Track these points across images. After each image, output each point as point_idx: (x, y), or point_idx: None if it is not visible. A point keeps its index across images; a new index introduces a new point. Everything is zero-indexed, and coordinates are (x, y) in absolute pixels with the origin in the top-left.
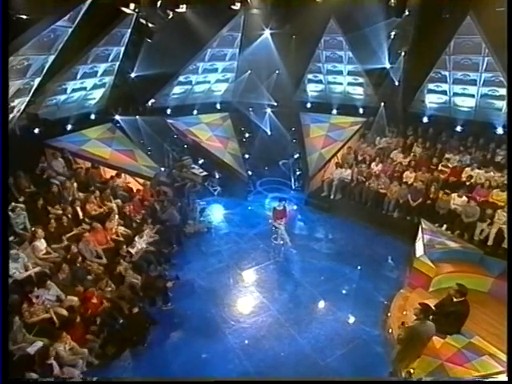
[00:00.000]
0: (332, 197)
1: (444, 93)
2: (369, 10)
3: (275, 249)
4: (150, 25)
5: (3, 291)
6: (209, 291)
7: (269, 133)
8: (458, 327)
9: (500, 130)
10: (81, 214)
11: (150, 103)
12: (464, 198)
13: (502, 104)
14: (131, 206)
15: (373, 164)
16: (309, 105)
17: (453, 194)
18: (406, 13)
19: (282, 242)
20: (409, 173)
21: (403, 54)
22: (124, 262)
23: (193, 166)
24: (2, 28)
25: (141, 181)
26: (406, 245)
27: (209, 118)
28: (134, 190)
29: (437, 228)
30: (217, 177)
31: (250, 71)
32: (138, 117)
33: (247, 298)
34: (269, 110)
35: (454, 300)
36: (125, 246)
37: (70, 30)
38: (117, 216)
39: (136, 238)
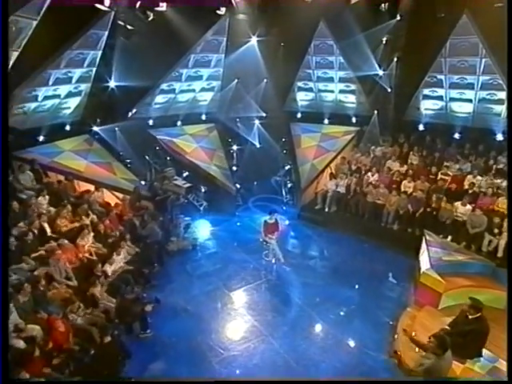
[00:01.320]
0: (327, 209)
1: (440, 98)
2: (359, 15)
3: (267, 266)
4: (129, 27)
5: (3, 293)
6: (193, 315)
7: (258, 145)
8: (478, 349)
9: (500, 137)
10: (48, 230)
11: (130, 113)
12: (468, 207)
13: (501, 109)
14: (107, 222)
15: (369, 174)
16: (299, 115)
17: (456, 203)
18: (398, 18)
19: (273, 259)
20: (407, 182)
21: (396, 59)
22: (99, 282)
23: (175, 177)
24: (2, 29)
25: (119, 195)
26: (409, 259)
27: (194, 129)
28: (112, 205)
29: (442, 239)
30: (202, 191)
31: (236, 80)
32: (117, 128)
33: (237, 321)
34: (257, 122)
35: (469, 317)
36: (100, 265)
37: (35, 22)
38: (92, 233)
39: (113, 256)
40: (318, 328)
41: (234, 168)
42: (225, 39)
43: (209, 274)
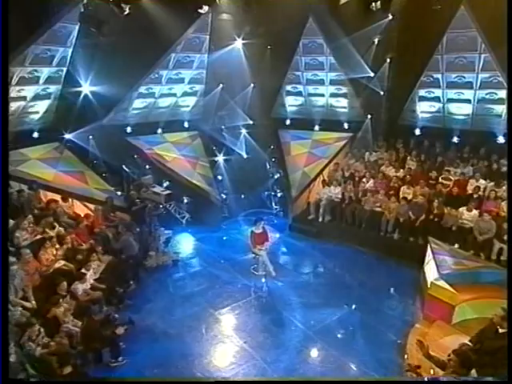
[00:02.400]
0: (320, 219)
1: (437, 99)
2: (349, 15)
3: (256, 282)
4: (102, 21)
5: (3, 294)
6: (174, 339)
7: (244, 156)
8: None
9: (501, 139)
10: None
11: (106, 119)
12: (474, 212)
13: (502, 109)
14: (73, 235)
15: (364, 180)
16: (288, 121)
17: (460, 209)
18: (390, 17)
19: (264, 273)
20: (406, 188)
21: (388, 60)
22: (64, 303)
23: (153, 185)
24: (2, 30)
25: (92, 206)
26: (413, 270)
27: (175, 137)
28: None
29: (449, 246)
30: (185, 202)
31: (221, 85)
32: (91, 136)
33: (224, 344)
34: (244, 131)
35: (500, 331)
36: (65, 283)
37: None
38: (58, 246)
39: (82, 273)
40: (317, 350)
41: (219, 177)
42: (207, 38)
43: (192, 291)
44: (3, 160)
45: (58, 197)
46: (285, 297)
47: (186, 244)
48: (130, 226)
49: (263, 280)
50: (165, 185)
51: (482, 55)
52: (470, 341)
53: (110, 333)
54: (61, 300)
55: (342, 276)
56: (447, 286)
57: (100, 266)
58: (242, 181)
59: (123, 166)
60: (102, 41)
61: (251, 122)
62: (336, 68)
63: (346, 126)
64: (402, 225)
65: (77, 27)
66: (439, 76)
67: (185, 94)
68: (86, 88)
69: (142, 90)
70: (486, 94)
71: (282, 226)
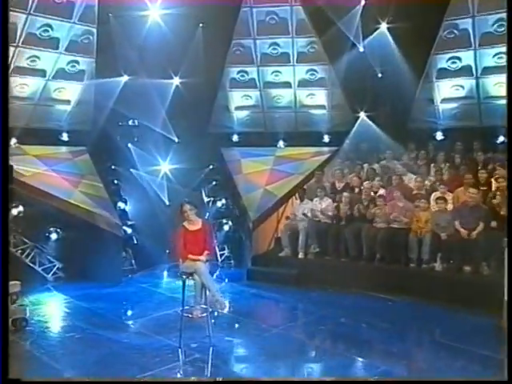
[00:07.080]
0: (301, 254)
1: (467, 71)
2: None
3: (193, 330)
4: None
5: (3, 289)
6: None
7: (167, 203)
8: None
9: None
10: None
11: None
12: None
13: None
14: None
15: (370, 186)
16: (236, 137)
17: None
18: None
19: (203, 314)
20: (439, 193)
21: (386, 26)
22: None
23: None
24: (2, 29)
25: None
26: (479, 316)
27: (42, 151)
28: None
29: None
30: (53, 238)
31: (128, 77)
32: None
33: None
34: (167, 170)
35: None
36: None
37: None
38: None
39: None
40: None
41: (121, 205)
42: None
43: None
44: (3, 159)
45: None
46: (245, 356)
47: (49, 301)
48: None
49: (202, 315)
50: (15, 211)
51: None
52: None
53: None
54: None
55: (355, 330)
56: None
57: None
58: (160, 212)
59: None
60: None
61: (176, 140)
62: (306, 28)
63: (326, 138)
64: (446, 245)
65: None
66: (468, 23)
67: (61, 73)
68: None
69: None
70: None
71: (235, 275)
